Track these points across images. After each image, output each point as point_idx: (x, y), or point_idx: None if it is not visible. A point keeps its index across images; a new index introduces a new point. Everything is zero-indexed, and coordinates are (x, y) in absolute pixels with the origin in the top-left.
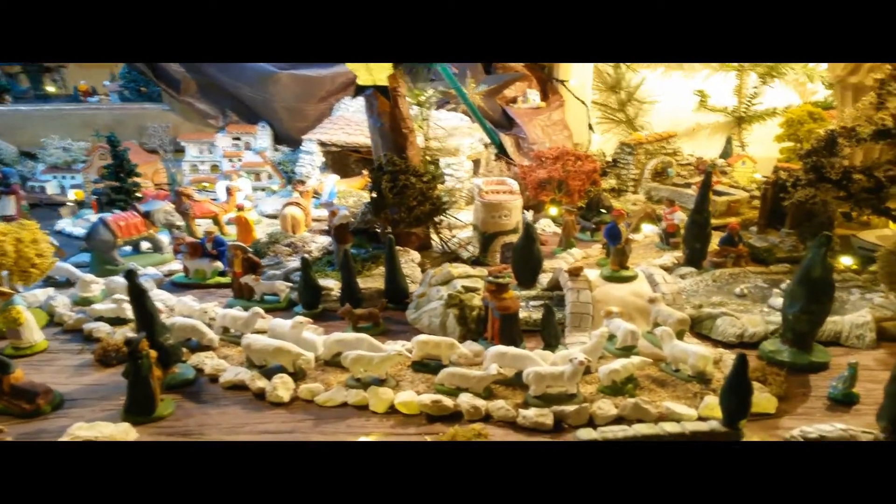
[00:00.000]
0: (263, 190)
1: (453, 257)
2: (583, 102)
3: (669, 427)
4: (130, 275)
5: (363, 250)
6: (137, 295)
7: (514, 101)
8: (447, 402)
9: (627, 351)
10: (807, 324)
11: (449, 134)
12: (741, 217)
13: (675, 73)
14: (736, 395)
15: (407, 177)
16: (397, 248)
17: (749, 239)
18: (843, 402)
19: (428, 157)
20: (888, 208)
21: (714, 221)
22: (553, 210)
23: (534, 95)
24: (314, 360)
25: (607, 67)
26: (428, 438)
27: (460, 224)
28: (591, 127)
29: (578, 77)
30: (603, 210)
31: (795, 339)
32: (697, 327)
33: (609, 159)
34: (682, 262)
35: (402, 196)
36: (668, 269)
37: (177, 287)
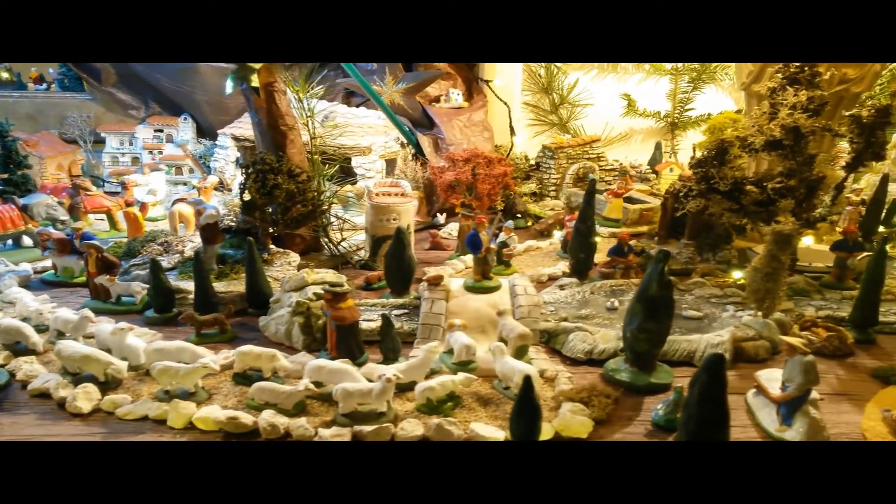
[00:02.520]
0: (185, 184)
1: (343, 261)
2: (505, 103)
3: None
4: None
5: (241, 251)
6: None
7: (437, 99)
8: (245, 419)
9: (464, 366)
10: (645, 342)
11: (341, 132)
12: (652, 226)
13: (608, 76)
14: (524, 419)
15: (275, 177)
16: (279, 249)
17: (651, 249)
18: (665, 428)
19: (316, 156)
20: (779, 223)
21: (626, 230)
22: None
23: (456, 95)
24: (126, 370)
25: (539, 68)
26: None
27: (358, 227)
28: (512, 129)
29: (504, 77)
30: (518, 215)
31: (635, 359)
32: (552, 342)
33: (533, 163)
34: (569, 272)
35: (270, 197)
36: (554, 279)
37: (46, 285)
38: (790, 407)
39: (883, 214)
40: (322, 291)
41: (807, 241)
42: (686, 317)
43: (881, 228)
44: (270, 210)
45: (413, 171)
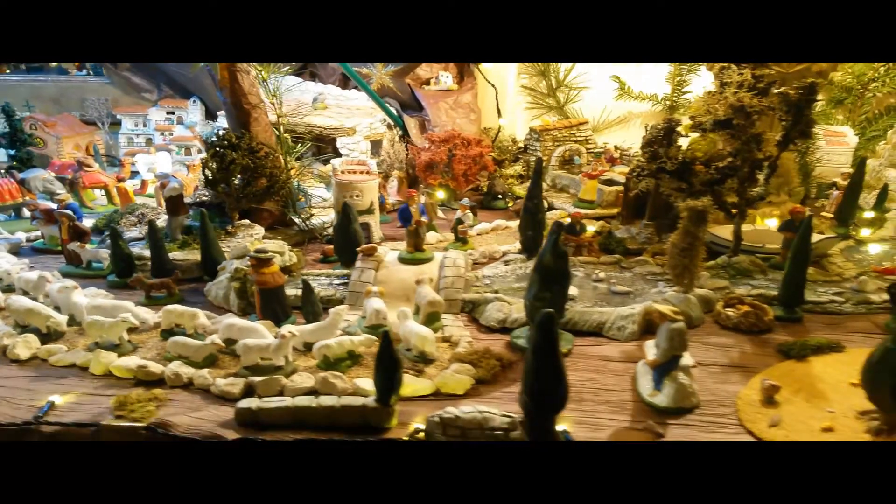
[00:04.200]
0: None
1: (311, 237)
2: (492, 86)
3: (324, 400)
4: None
5: (215, 223)
6: None
7: (427, 82)
8: (154, 367)
9: (375, 329)
10: (542, 310)
11: (307, 113)
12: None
13: None
14: (383, 373)
15: (233, 153)
16: (245, 223)
17: (617, 230)
18: None
19: (285, 134)
20: (725, 202)
21: (601, 211)
22: (441, 193)
23: (446, 77)
24: (65, 324)
25: None
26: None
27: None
28: (499, 111)
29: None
30: (499, 196)
31: None
32: (475, 312)
33: (521, 145)
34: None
35: (227, 172)
36: (504, 255)
37: (35, 252)
38: (660, 372)
39: (872, 199)
40: (249, 258)
41: (771, 222)
42: (614, 291)
43: (871, 213)
44: (237, 184)
45: (397, 153)
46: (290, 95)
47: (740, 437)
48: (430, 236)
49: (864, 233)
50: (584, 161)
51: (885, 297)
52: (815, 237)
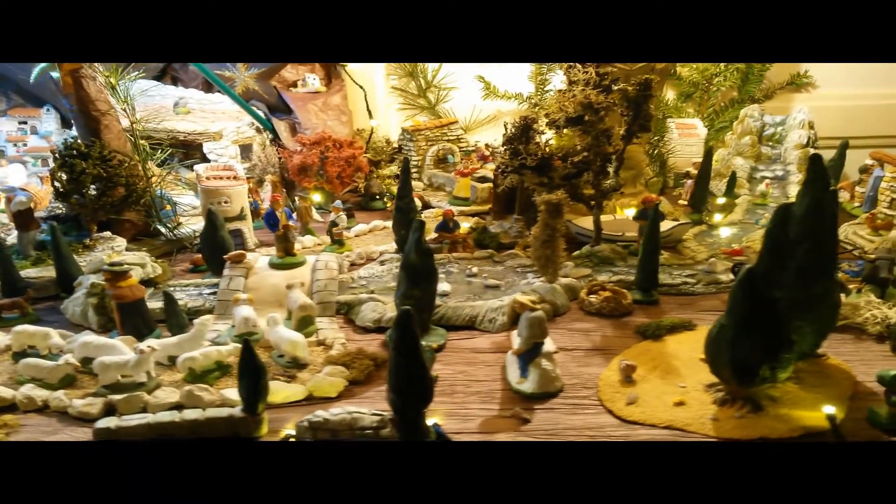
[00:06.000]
0: None
1: (181, 246)
2: (361, 87)
3: (188, 414)
4: None
5: (72, 237)
6: None
7: (294, 84)
8: (3, 392)
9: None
10: (412, 308)
11: (167, 118)
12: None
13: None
14: (247, 381)
15: (83, 162)
16: (105, 235)
17: (491, 225)
18: None
19: (142, 141)
20: (583, 195)
21: (476, 208)
22: (317, 196)
23: (313, 79)
24: None
25: None
26: None
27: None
28: (370, 113)
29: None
30: (377, 196)
31: None
32: (350, 313)
33: (396, 146)
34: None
35: (77, 183)
36: (381, 255)
37: None
38: (525, 360)
39: (724, 186)
40: (103, 271)
41: (629, 212)
42: (487, 286)
43: (723, 200)
44: (91, 194)
45: (269, 157)
46: (149, 100)
47: (601, 417)
48: (308, 240)
49: (717, 218)
50: (458, 160)
51: (732, 276)
52: (670, 224)
